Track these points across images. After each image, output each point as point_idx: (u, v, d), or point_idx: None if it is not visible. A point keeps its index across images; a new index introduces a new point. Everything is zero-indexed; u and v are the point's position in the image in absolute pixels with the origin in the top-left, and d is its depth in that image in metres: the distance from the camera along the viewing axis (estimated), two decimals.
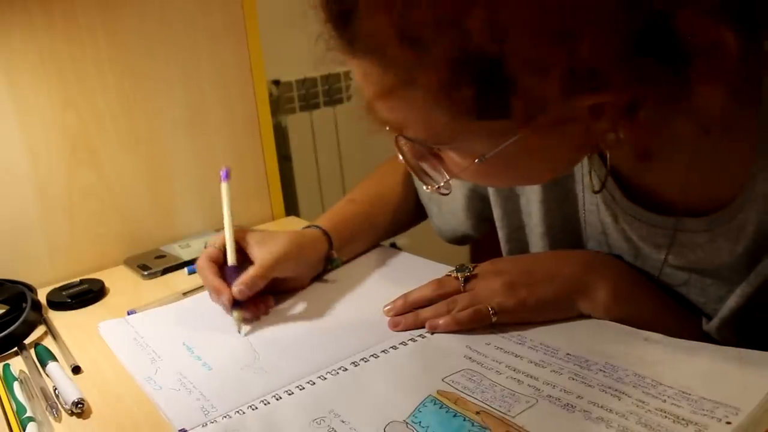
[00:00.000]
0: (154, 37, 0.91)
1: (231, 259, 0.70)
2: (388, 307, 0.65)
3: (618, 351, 0.54)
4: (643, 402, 0.47)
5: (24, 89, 0.83)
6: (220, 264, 0.70)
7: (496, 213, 0.72)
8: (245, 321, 0.67)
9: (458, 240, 0.84)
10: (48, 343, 0.69)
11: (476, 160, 0.47)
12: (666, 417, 0.45)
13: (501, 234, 0.73)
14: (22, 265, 0.86)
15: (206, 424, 0.51)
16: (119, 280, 0.87)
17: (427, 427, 0.47)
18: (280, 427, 0.50)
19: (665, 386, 0.48)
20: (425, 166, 0.53)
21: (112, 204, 0.92)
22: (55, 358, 0.64)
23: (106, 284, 0.84)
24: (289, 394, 0.54)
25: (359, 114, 0.48)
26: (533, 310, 0.60)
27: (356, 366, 0.57)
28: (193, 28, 0.94)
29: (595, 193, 0.61)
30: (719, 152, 0.51)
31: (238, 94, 1.00)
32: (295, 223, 1.06)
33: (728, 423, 0.43)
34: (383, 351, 0.59)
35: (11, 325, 0.69)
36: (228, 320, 0.68)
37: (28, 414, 0.55)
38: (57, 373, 0.61)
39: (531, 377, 0.52)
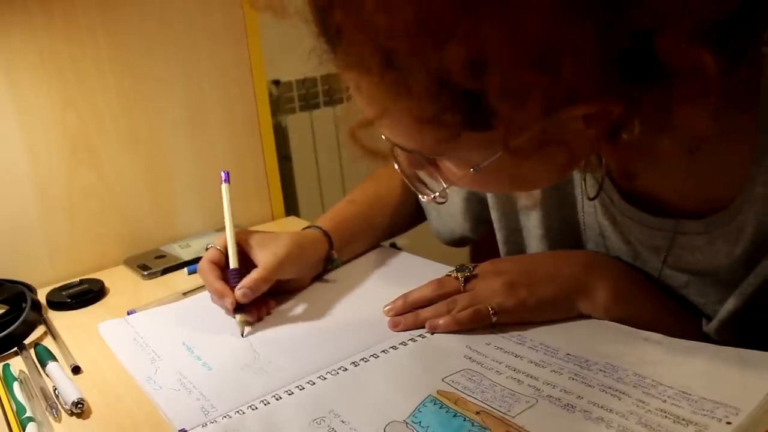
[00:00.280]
0: (154, 37, 0.91)
1: (233, 262, 0.69)
2: (388, 307, 0.65)
3: (618, 351, 0.54)
4: (644, 402, 0.47)
5: (24, 89, 0.83)
6: (222, 266, 0.70)
7: (494, 215, 0.72)
8: (247, 323, 0.67)
9: (456, 242, 0.84)
10: (48, 343, 0.69)
11: (471, 170, 0.47)
12: (666, 417, 0.45)
13: (499, 236, 0.73)
14: (22, 265, 0.86)
15: (206, 424, 0.51)
16: (119, 280, 0.87)
17: (427, 427, 0.47)
18: (280, 427, 0.50)
19: (665, 386, 0.48)
20: (422, 174, 0.54)
21: (112, 204, 0.92)
22: (54, 358, 0.64)
23: (106, 284, 0.84)
24: (289, 394, 0.54)
25: (357, 118, 0.48)
26: (533, 310, 0.60)
27: (356, 366, 0.57)
28: (193, 28, 0.94)
29: (590, 199, 0.61)
30: (718, 154, 0.51)
31: (238, 94, 1.00)
32: (295, 223, 1.06)
33: (728, 423, 0.43)
34: (383, 351, 0.59)
35: (11, 325, 0.69)
36: (228, 320, 0.68)
37: (28, 414, 0.55)
38: (57, 373, 0.61)
39: (531, 377, 0.52)
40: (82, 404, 0.56)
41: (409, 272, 0.75)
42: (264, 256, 0.69)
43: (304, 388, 0.54)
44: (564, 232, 0.67)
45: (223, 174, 0.74)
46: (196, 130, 0.98)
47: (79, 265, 0.90)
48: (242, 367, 0.59)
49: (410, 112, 0.43)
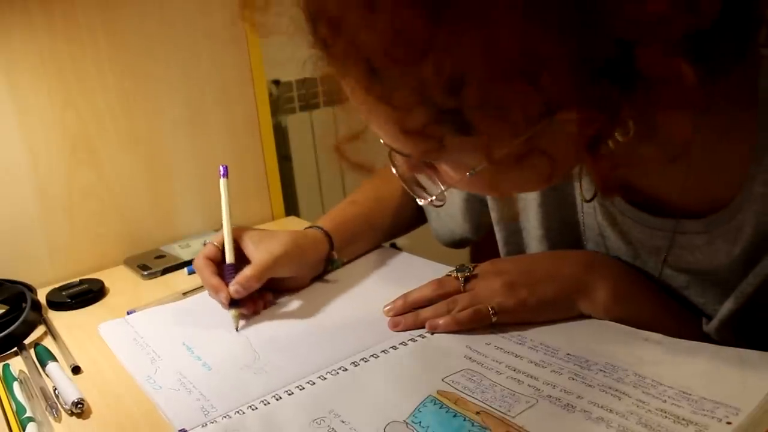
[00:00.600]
0: (154, 37, 0.91)
1: (229, 257, 0.70)
2: (388, 307, 0.65)
3: (618, 351, 0.54)
4: (644, 402, 0.47)
5: (24, 89, 0.83)
6: (217, 262, 0.71)
7: (494, 216, 0.73)
8: (243, 317, 0.68)
9: (456, 243, 0.84)
10: (48, 343, 0.69)
11: (467, 173, 0.47)
12: (666, 417, 0.45)
13: (499, 236, 0.73)
14: (22, 265, 0.86)
15: (206, 424, 0.51)
16: (119, 280, 0.87)
17: (427, 427, 0.47)
18: (280, 427, 0.49)
19: (665, 386, 0.48)
20: (421, 177, 0.53)
21: (112, 204, 0.92)
22: (54, 358, 0.64)
23: (106, 284, 0.84)
24: (289, 394, 0.54)
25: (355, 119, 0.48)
26: (533, 310, 0.60)
27: (356, 366, 0.57)
28: (193, 28, 0.94)
29: (587, 201, 0.60)
30: (717, 154, 0.51)
31: (238, 94, 1.00)
32: (295, 223, 1.06)
33: (728, 423, 0.43)
34: (383, 351, 0.59)
35: (11, 325, 0.69)
36: (228, 320, 0.68)
37: (28, 414, 0.54)
38: (57, 373, 0.61)
39: (531, 377, 0.52)
40: (82, 404, 0.56)
41: (409, 272, 0.75)
42: (259, 254, 0.70)
43: (304, 388, 0.54)
44: (564, 232, 0.67)
45: (221, 168, 0.74)
46: (196, 130, 0.98)
47: (79, 265, 0.90)
48: (242, 367, 0.59)
49: (396, 122, 0.43)
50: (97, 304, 0.80)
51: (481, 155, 0.44)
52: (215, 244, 0.72)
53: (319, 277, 0.77)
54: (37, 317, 0.74)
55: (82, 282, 0.84)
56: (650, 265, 0.60)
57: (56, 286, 0.84)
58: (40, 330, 0.73)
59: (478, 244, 0.85)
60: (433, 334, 0.61)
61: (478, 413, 0.48)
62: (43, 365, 0.63)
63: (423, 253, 0.80)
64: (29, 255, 0.87)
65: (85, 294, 0.81)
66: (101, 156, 0.90)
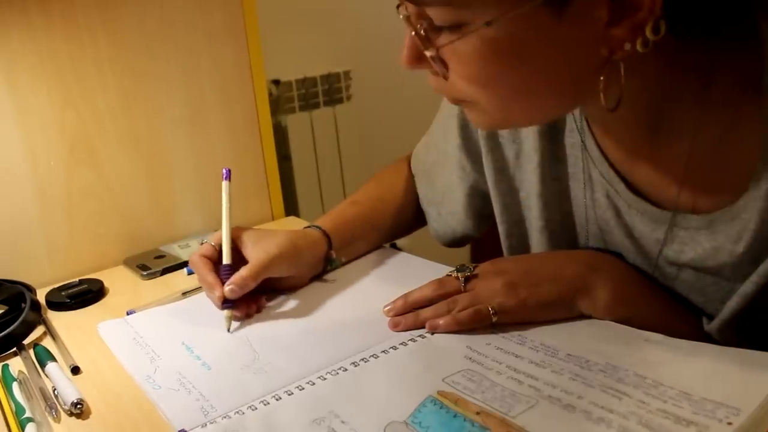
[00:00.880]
0: (153, 36, 0.91)
1: (226, 257, 0.70)
2: (389, 307, 0.65)
3: (619, 351, 0.54)
4: (644, 402, 0.47)
5: (23, 89, 0.83)
6: (214, 261, 0.71)
7: (497, 208, 0.72)
8: (236, 318, 0.68)
9: (457, 242, 0.84)
10: (47, 343, 0.69)
11: (484, 23, 0.45)
12: (667, 417, 0.45)
13: (501, 229, 0.73)
14: (22, 265, 0.86)
15: (206, 425, 0.51)
16: (118, 280, 0.87)
17: (428, 427, 0.47)
18: (279, 427, 0.49)
19: (666, 387, 0.48)
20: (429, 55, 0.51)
21: (112, 204, 0.92)
22: (54, 359, 0.64)
23: (106, 284, 0.84)
24: (289, 395, 0.53)
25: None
26: (534, 310, 0.60)
27: (356, 366, 0.57)
28: (193, 27, 0.94)
29: (612, 110, 0.53)
30: (723, 148, 0.51)
31: (237, 94, 1.00)
32: (295, 223, 1.06)
33: (729, 424, 0.43)
34: (383, 351, 0.59)
35: (10, 326, 0.69)
36: (236, 324, 0.68)
37: (27, 414, 0.54)
38: (56, 373, 0.61)
39: (531, 377, 0.52)
40: (82, 404, 0.56)
41: (409, 272, 0.75)
42: (255, 254, 0.70)
43: (304, 388, 0.54)
44: (564, 225, 0.67)
45: (224, 171, 0.74)
46: (196, 129, 0.98)
47: (78, 265, 0.90)
48: (242, 367, 0.59)
49: None
50: (96, 305, 0.80)
51: (503, 6, 0.43)
52: (212, 243, 0.72)
53: (318, 277, 0.77)
54: (37, 317, 0.74)
55: (81, 282, 0.84)
56: (651, 261, 0.60)
57: (56, 286, 0.84)
58: (39, 330, 0.73)
59: (479, 243, 0.85)
60: (433, 334, 0.61)
61: (478, 413, 0.48)
62: (43, 365, 0.63)
63: (423, 253, 0.80)
64: (28, 255, 0.87)
65: (84, 294, 0.81)
66: (101, 156, 0.90)
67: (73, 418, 0.56)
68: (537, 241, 0.69)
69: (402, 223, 0.86)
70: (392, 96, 1.95)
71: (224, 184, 0.74)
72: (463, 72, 0.49)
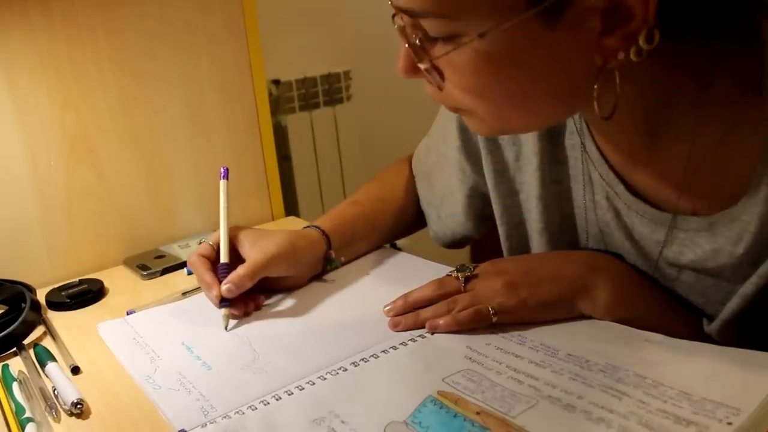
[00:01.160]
0: (153, 36, 0.91)
1: (224, 256, 0.70)
2: (389, 307, 0.65)
3: (619, 351, 0.54)
4: (644, 402, 0.47)
5: (23, 89, 0.83)
6: (212, 260, 0.71)
7: (496, 210, 0.72)
8: (233, 317, 0.68)
9: (456, 243, 0.84)
10: (47, 343, 0.69)
11: (478, 35, 0.45)
12: (667, 417, 0.45)
13: (501, 231, 0.73)
14: (22, 265, 0.86)
15: (206, 425, 0.51)
16: (118, 280, 0.87)
17: (428, 427, 0.47)
18: (279, 427, 0.49)
19: (666, 387, 0.48)
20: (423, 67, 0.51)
21: (112, 204, 0.92)
22: (54, 359, 0.64)
23: (106, 284, 0.84)
24: (289, 394, 0.53)
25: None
26: (534, 310, 0.60)
27: (356, 366, 0.57)
28: (192, 27, 0.94)
29: (606, 118, 0.53)
30: (723, 149, 0.51)
31: (237, 94, 1.00)
32: (295, 223, 1.06)
33: (729, 424, 0.43)
34: (383, 351, 0.59)
35: (10, 326, 0.69)
36: (234, 322, 0.68)
37: (27, 414, 0.54)
38: (56, 373, 0.61)
39: (531, 377, 0.52)
40: (82, 404, 0.56)
41: (409, 272, 0.75)
42: (253, 253, 0.70)
43: (304, 388, 0.54)
44: (564, 227, 0.67)
45: (222, 170, 0.74)
46: (196, 129, 0.98)
47: (78, 265, 0.90)
48: (242, 367, 0.59)
49: None
50: (96, 305, 0.80)
51: (496, 17, 0.44)
52: (210, 243, 0.72)
53: (318, 277, 0.77)
54: (37, 317, 0.74)
55: (81, 282, 0.84)
56: (651, 262, 0.60)
57: (55, 286, 0.84)
58: (39, 330, 0.73)
59: (479, 243, 0.85)
60: (433, 334, 0.61)
61: (478, 413, 0.48)
62: (43, 365, 0.63)
63: (423, 253, 0.80)
64: (28, 255, 0.87)
65: (84, 294, 0.81)
66: (101, 156, 0.90)
67: (73, 418, 0.56)
68: (537, 242, 0.69)
69: (402, 223, 0.86)
70: (392, 96, 1.95)
71: (222, 183, 0.74)
72: (459, 82, 0.50)
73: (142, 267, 0.88)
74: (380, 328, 0.63)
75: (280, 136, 1.88)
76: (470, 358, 0.56)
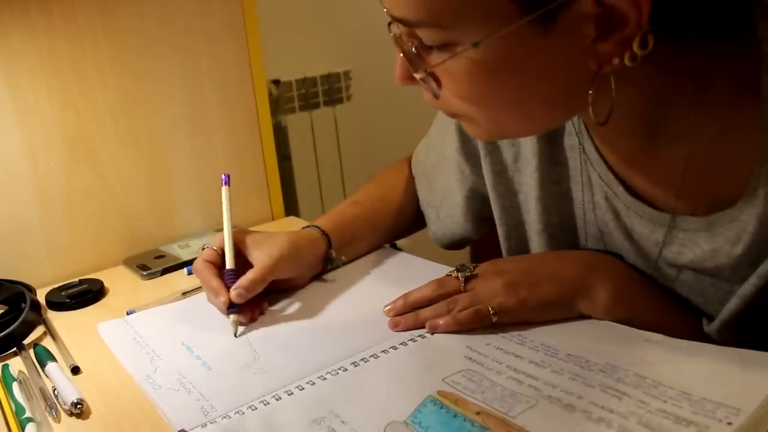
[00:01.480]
0: (153, 36, 0.91)
1: (230, 262, 0.69)
2: (389, 307, 0.65)
3: (619, 351, 0.54)
4: (644, 402, 0.47)
5: (23, 89, 0.83)
6: (217, 265, 0.70)
7: (495, 211, 0.73)
8: (241, 323, 0.67)
9: (455, 244, 0.84)
10: (47, 343, 0.69)
11: (472, 44, 0.46)
12: (667, 417, 0.45)
13: (500, 231, 0.73)
14: (21, 265, 0.86)
15: (206, 425, 0.51)
16: (118, 280, 0.87)
17: (428, 427, 0.47)
18: (279, 427, 0.49)
19: (666, 387, 0.48)
20: (418, 76, 0.52)
21: (112, 204, 0.92)
22: (54, 359, 0.64)
23: (106, 284, 0.84)
24: (289, 394, 0.54)
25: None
26: (534, 310, 0.60)
27: (356, 366, 0.57)
28: (192, 27, 0.94)
29: (601, 124, 0.53)
30: (721, 149, 0.51)
31: (237, 94, 1.00)
32: (295, 223, 1.06)
33: (729, 424, 0.43)
34: (383, 351, 0.59)
35: (10, 326, 0.69)
36: (228, 320, 0.68)
37: (27, 414, 0.54)
38: (56, 373, 0.61)
39: (531, 377, 0.52)
40: (82, 404, 0.56)
41: (409, 272, 0.75)
42: (261, 257, 0.69)
43: (304, 388, 0.54)
44: (563, 228, 0.67)
45: (223, 177, 0.74)
46: (196, 129, 0.98)
47: (78, 265, 0.90)
48: (242, 367, 0.59)
49: None
50: (96, 305, 0.80)
51: (491, 25, 0.44)
52: (215, 248, 0.71)
53: (318, 277, 0.77)
54: (37, 317, 0.74)
55: (81, 282, 0.84)
56: (651, 263, 0.60)
57: (55, 286, 0.84)
58: (39, 330, 0.73)
59: (479, 243, 0.85)
60: (433, 334, 0.61)
61: (478, 413, 0.48)
62: (43, 365, 0.63)
63: (423, 253, 0.80)
64: (28, 255, 0.87)
65: (84, 294, 0.81)
66: (101, 156, 0.90)
67: (73, 418, 0.56)
68: (536, 243, 0.69)
69: (402, 223, 0.86)
70: (392, 96, 1.95)
71: (224, 189, 0.74)
72: (455, 90, 0.50)
73: (142, 267, 0.88)
74: (380, 328, 0.63)
75: (280, 136, 1.88)
76: (470, 358, 0.56)
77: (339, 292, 0.73)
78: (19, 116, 0.83)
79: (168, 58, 0.93)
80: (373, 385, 0.53)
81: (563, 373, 0.52)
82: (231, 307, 0.66)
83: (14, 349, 0.69)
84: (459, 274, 0.64)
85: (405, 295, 0.65)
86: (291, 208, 1.56)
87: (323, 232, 0.77)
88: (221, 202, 0.73)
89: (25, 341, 0.70)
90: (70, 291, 0.81)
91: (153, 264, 0.89)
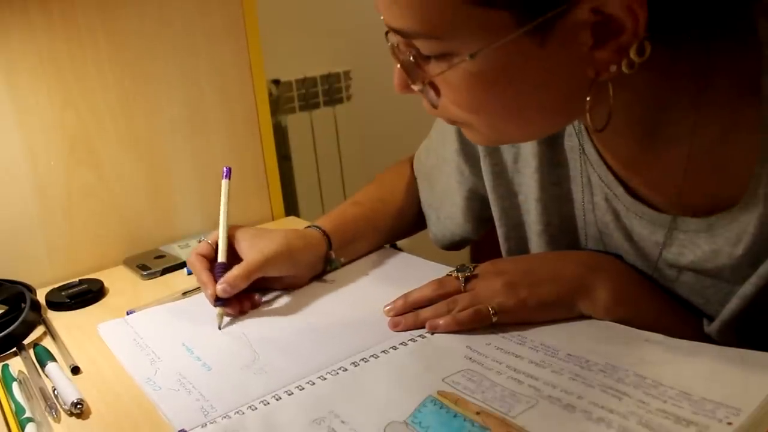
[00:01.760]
0: (153, 36, 0.91)
1: (221, 255, 0.70)
2: (389, 307, 0.65)
3: (619, 351, 0.54)
4: (644, 402, 0.47)
5: (23, 89, 0.83)
6: (210, 259, 0.71)
7: (495, 212, 0.73)
8: (228, 315, 0.68)
9: (455, 245, 0.84)
10: (47, 343, 0.69)
11: (469, 55, 0.46)
12: (667, 417, 0.45)
13: (500, 232, 0.73)
14: (22, 265, 0.86)
15: (206, 425, 0.51)
16: (118, 280, 0.87)
17: (428, 427, 0.47)
18: (279, 427, 0.49)
19: (666, 387, 0.48)
20: (416, 87, 0.52)
21: (112, 204, 0.92)
22: (54, 359, 0.64)
23: (106, 284, 0.84)
24: (289, 395, 0.54)
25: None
26: (534, 310, 0.60)
27: (356, 366, 0.57)
28: (192, 27, 0.94)
29: (599, 130, 0.53)
30: (721, 150, 0.51)
31: (237, 94, 1.00)
32: (295, 223, 1.06)
33: (729, 424, 0.43)
34: (383, 351, 0.59)
35: (10, 326, 0.69)
36: (227, 321, 0.68)
37: (27, 414, 0.54)
38: (56, 373, 0.61)
39: (531, 377, 0.52)
40: (82, 405, 0.56)
41: (409, 272, 0.75)
42: (250, 253, 0.70)
43: (304, 389, 0.54)
44: (563, 228, 0.67)
45: (225, 169, 0.74)
46: (196, 129, 0.98)
47: (78, 265, 0.90)
48: (242, 368, 0.59)
49: None
50: (96, 305, 0.80)
51: (491, 36, 0.44)
52: (209, 242, 0.72)
53: (318, 277, 0.77)
54: (37, 317, 0.74)
55: (81, 282, 0.84)
56: (651, 263, 0.60)
57: (55, 286, 0.84)
58: (39, 330, 0.73)
59: (478, 243, 0.85)
60: (433, 334, 0.61)
61: (478, 413, 0.48)
62: (43, 365, 0.63)
63: (423, 253, 0.80)
64: (28, 255, 0.87)
65: (84, 294, 0.81)
66: (100, 156, 0.90)
67: (73, 418, 0.56)
68: (536, 244, 0.69)
69: (403, 224, 0.86)
70: (392, 96, 1.94)
71: (224, 182, 0.74)
72: (454, 99, 0.50)
73: (142, 267, 0.88)
74: (380, 328, 0.63)
75: (280, 136, 1.88)
76: (470, 358, 0.56)
77: (339, 292, 0.73)
78: (19, 116, 0.83)
79: (168, 58, 0.93)
80: (373, 385, 0.53)
81: (563, 373, 0.52)
82: (218, 300, 0.67)
83: (14, 349, 0.69)
84: (459, 274, 0.64)
85: (405, 295, 0.65)
86: (291, 208, 1.56)
87: (324, 233, 0.77)
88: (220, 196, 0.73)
89: (25, 341, 0.70)
90: (70, 291, 0.81)
91: (153, 264, 0.89)
